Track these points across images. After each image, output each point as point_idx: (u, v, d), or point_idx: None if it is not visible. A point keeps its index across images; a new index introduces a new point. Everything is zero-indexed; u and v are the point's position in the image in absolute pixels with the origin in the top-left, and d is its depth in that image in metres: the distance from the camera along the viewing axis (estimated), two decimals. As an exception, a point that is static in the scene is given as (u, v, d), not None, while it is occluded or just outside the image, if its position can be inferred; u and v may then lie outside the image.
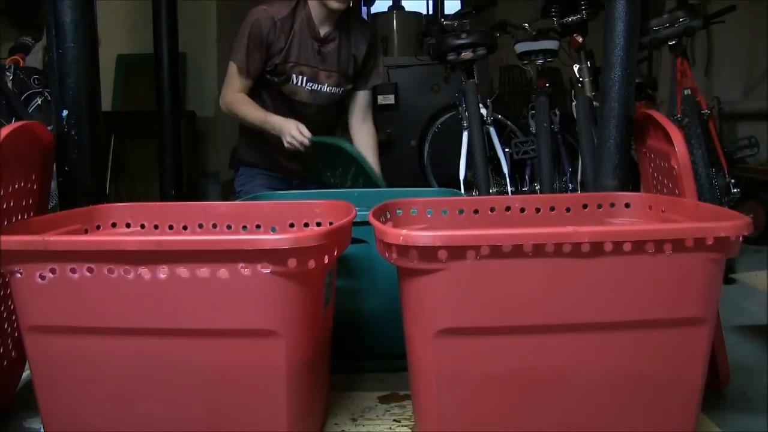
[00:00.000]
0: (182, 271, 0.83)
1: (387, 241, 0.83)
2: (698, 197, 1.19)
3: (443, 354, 0.86)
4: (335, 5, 1.76)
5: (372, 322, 1.22)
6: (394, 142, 3.46)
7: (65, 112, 1.25)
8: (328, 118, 2.02)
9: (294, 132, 1.69)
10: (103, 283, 0.84)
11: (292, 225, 1.17)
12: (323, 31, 1.84)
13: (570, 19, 2.67)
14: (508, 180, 2.68)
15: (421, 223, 1.16)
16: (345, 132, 2.12)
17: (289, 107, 1.95)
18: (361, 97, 1.98)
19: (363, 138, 1.97)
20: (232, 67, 1.86)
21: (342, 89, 1.95)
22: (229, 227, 1.18)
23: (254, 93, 1.93)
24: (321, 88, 1.91)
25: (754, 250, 2.76)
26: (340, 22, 1.85)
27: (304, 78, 1.89)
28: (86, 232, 1.13)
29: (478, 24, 2.90)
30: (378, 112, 3.56)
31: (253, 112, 1.83)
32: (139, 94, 3.43)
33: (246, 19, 1.84)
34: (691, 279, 0.84)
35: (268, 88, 1.95)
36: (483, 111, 2.66)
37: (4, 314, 1.13)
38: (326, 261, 0.87)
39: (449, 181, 2.67)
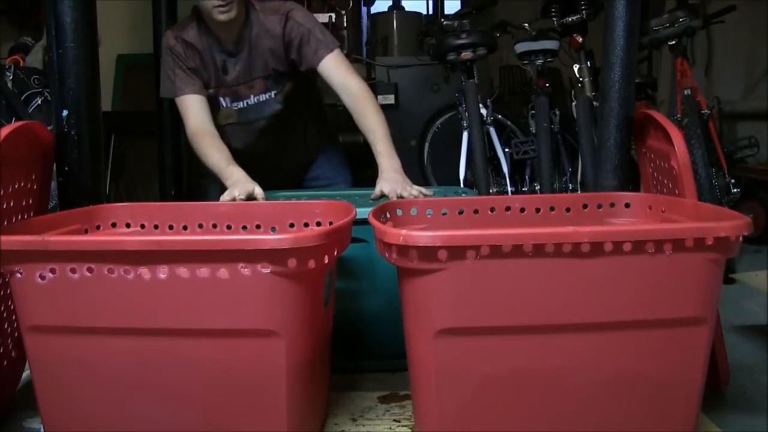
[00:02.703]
0: (182, 271, 0.83)
1: (387, 241, 0.83)
2: (698, 197, 1.19)
3: (443, 354, 0.86)
4: (221, 17, 1.57)
5: (372, 322, 1.22)
6: (394, 142, 3.46)
7: (65, 112, 1.25)
8: (286, 128, 1.81)
9: (235, 193, 1.37)
10: (103, 283, 0.84)
11: (292, 225, 1.17)
12: (228, 43, 1.66)
13: (570, 19, 2.67)
14: (508, 180, 2.68)
15: (421, 223, 1.16)
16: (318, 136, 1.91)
17: (237, 136, 1.77)
18: (324, 71, 1.66)
19: (355, 112, 1.65)
20: (179, 101, 1.64)
21: (274, 92, 1.74)
22: (229, 227, 1.18)
23: None
24: (247, 102, 1.73)
25: (754, 250, 2.76)
26: (244, 27, 1.66)
27: (228, 99, 1.73)
28: (86, 232, 1.13)
29: (478, 24, 2.89)
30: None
31: (214, 154, 1.56)
32: (139, 94, 3.43)
33: (162, 53, 1.68)
34: (691, 279, 0.84)
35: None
36: (483, 111, 2.66)
37: (4, 314, 1.13)
38: (326, 261, 0.87)
39: (449, 182, 2.66)
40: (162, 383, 0.88)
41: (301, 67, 1.69)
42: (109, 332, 0.86)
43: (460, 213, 1.17)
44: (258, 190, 1.39)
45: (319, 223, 1.16)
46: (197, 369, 0.87)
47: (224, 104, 1.74)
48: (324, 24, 3.70)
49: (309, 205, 1.18)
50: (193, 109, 1.62)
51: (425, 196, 1.42)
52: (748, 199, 2.87)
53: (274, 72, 1.71)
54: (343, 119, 2.00)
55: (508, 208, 1.17)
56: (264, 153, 1.82)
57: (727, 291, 1.54)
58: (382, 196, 1.45)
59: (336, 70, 1.65)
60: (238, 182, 1.43)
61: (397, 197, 1.39)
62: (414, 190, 1.44)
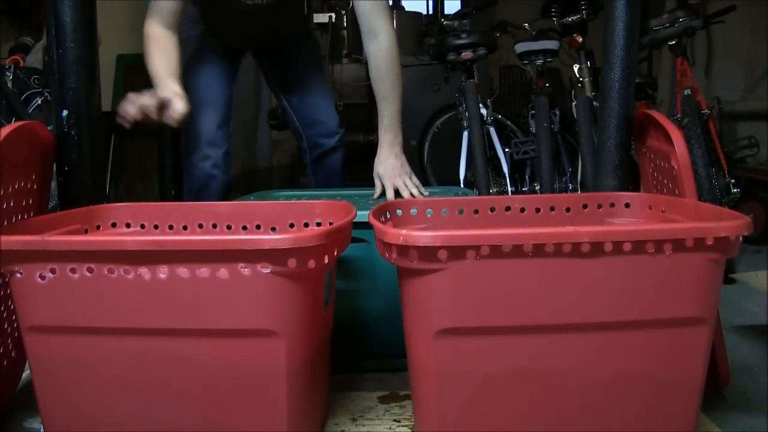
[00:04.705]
0: (182, 271, 0.83)
1: (387, 241, 0.83)
2: (698, 197, 1.19)
3: (443, 354, 0.86)
4: None
5: (372, 323, 1.22)
6: (395, 142, 3.47)
7: (65, 112, 1.25)
8: (286, 19, 1.68)
9: (158, 92, 1.30)
10: (103, 283, 0.84)
11: (292, 225, 1.17)
12: None
13: (570, 19, 2.67)
14: (508, 180, 2.68)
15: (421, 223, 1.16)
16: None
17: (228, 12, 1.60)
18: (361, 5, 1.50)
19: (374, 70, 1.57)
20: (153, 3, 1.45)
21: None
22: (229, 227, 1.18)
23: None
24: None
25: (754, 250, 2.75)
26: None
27: None
28: (86, 232, 1.13)
29: (478, 24, 2.90)
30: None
31: (156, 60, 1.39)
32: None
33: None
34: (691, 279, 0.84)
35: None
36: (483, 111, 2.66)
37: (4, 314, 1.13)
38: (326, 261, 0.87)
39: (449, 181, 2.66)
40: (162, 383, 0.88)
41: None
42: (109, 332, 0.86)
43: (460, 213, 1.17)
44: (180, 105, 1.29)
45: (319, 223, 1.16)
46: (197, 369, 0.87)
47: None
48: (324, 24, 3.71)
49: (309, 205, 1.18)
50: (163, 12, 1.44)
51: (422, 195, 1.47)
52: (748, 199, 2.86)
53: None
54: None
55: (508, 208, 1.17)
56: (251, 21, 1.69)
57: (727, 291, 1.54)
58: (382, 195, 1.49)
59: (373, 9, 1.49)
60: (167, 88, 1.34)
61: (392, 185, 1.45)
62: (411, 181, 1.48)
